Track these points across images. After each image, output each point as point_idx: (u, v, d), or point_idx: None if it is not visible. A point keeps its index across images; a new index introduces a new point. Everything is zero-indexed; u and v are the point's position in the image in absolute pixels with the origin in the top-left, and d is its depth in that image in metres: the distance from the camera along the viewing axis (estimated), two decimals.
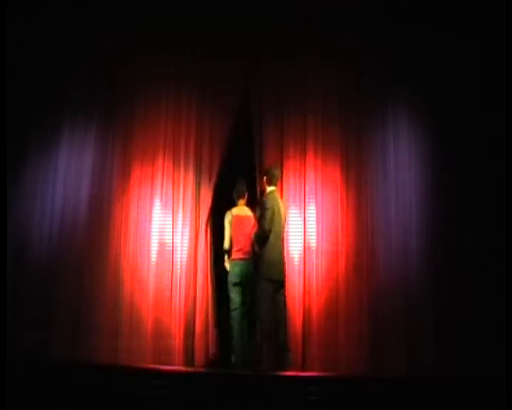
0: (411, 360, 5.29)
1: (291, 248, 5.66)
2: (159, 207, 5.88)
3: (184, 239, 5.78)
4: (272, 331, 5.18)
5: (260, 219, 5.26)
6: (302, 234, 5.69)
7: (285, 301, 5.31)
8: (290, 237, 5.68)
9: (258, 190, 5.79)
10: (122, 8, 6.10)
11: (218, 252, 5.84)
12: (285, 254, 5.42)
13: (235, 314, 5.51)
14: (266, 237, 5.21)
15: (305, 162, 5.80)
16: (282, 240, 5.40)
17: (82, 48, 6.13)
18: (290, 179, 5.79)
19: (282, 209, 5.39)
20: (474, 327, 5.27)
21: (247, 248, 5.56)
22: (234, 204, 5.78)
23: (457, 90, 5.72)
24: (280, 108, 5.93)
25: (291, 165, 5.81)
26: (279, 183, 5.65)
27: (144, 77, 6.11)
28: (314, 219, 5.70)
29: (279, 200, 5.45)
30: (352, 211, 5.71)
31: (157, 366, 5.28)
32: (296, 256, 5.65)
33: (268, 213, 5.21)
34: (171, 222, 5.81)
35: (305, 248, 5.66)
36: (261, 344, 5.25)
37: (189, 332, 5.61)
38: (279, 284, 5.26)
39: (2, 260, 4.94)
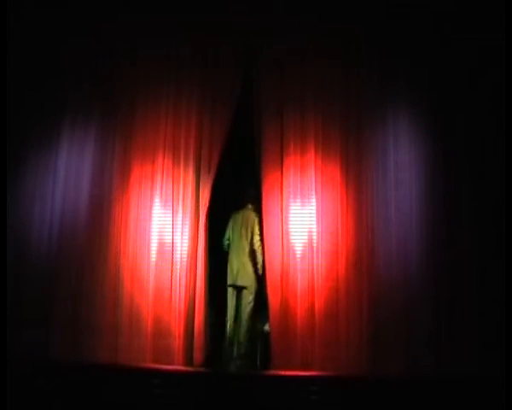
0: (411, 360, 5.29)
1: (291, 248, 5.65)
2: (158, 207, 5.87)
3: (184, 239, 5.76)
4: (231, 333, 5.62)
5: None
6: (302, 233, 5.68)
7: (246, 307, 5.64)
8: (290, 237, 5.67)
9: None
10: (122, 8, 6.10)
11: (215, 251, 5.87)
12: (248, 263, 5.72)
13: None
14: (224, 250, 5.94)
15: (305, 162, 5.79)
16: (252, 251, 5.75)
17: (82, 48, 6.12)
18: (290, 179, 5.78)
19: (246, 225, 5.77)
20: (474, 327, 5.27)
21: None
22: (233, 203, 5.79)
23: (457, 90, 5.72)
24: (280, 108, 5.91)
25: (291, 164, 5.80)
26: (282, 186, 5.76)
27: (144, 77, 6.10)
28: (314, 218, 5.69)
29: (244, 217, 5.84)
30: (352, 210, 5.69)
31: (157, 366, 5.29)
32: (296, 256, 5.64)
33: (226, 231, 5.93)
34: (170, 221, 5.80)
35: (305, 247, 5.65)
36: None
37: (189, 332, 5.60)
38: (239, 289, 5.67)
39: (3, 260, 4.95)
